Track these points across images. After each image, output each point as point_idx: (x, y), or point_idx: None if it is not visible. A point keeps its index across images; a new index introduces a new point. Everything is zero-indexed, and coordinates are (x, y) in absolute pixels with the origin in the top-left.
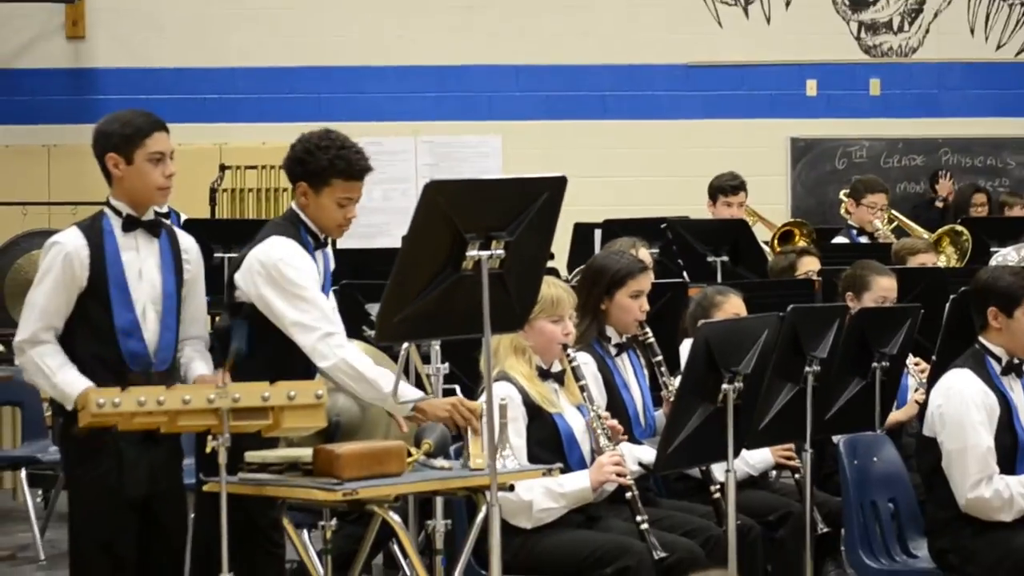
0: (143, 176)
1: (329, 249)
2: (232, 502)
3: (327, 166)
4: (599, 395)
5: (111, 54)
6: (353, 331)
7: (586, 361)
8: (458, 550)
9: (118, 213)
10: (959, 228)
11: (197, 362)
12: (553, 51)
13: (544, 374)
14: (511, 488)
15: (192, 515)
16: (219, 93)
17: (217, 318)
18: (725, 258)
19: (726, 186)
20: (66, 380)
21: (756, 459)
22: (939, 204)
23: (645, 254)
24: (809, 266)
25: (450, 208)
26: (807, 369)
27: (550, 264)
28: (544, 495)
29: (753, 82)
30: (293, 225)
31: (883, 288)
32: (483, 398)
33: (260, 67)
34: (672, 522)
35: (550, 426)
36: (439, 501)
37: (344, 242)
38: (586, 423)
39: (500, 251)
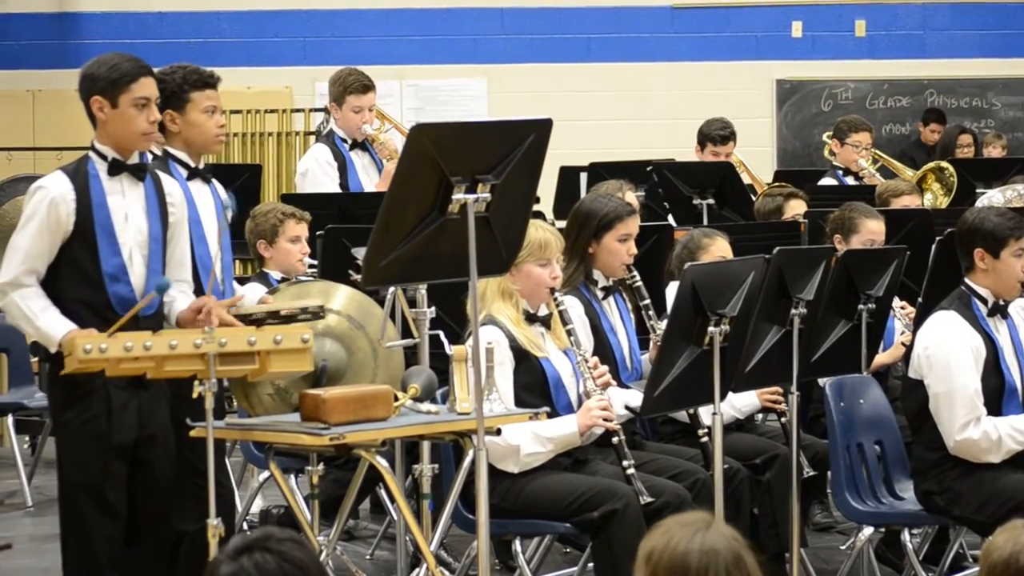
0: (127, 121)
1: (218, 185)
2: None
3: (181, 81)
4: (586, 339)
5: None
6: (339, 275)
7: (573, 304)
8: (445, 494)
9: (103, 157)
10: (944, 164)
11: (179, 301)
12: None
13: (531, 318)
14: (498, 432)
15: None
16: (204, 37)
17: None
18: (711, 201)
19: (716, 135)
20: (49, 323)
21: (742, 403)
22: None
23: (631, 197)
24: (796, 209)
25: (436, 151)
26: (793, 311)
27: (536, 208)
28: (531, 439)
29: (738, 23)
30: (163, 162)
31: (871, 231)
32: (470, 342)
33: (245, 11)
34: (659, 465)
35: (537, 370)
36: (426, 445)
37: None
38: (574, 366)
39: (486, 194)
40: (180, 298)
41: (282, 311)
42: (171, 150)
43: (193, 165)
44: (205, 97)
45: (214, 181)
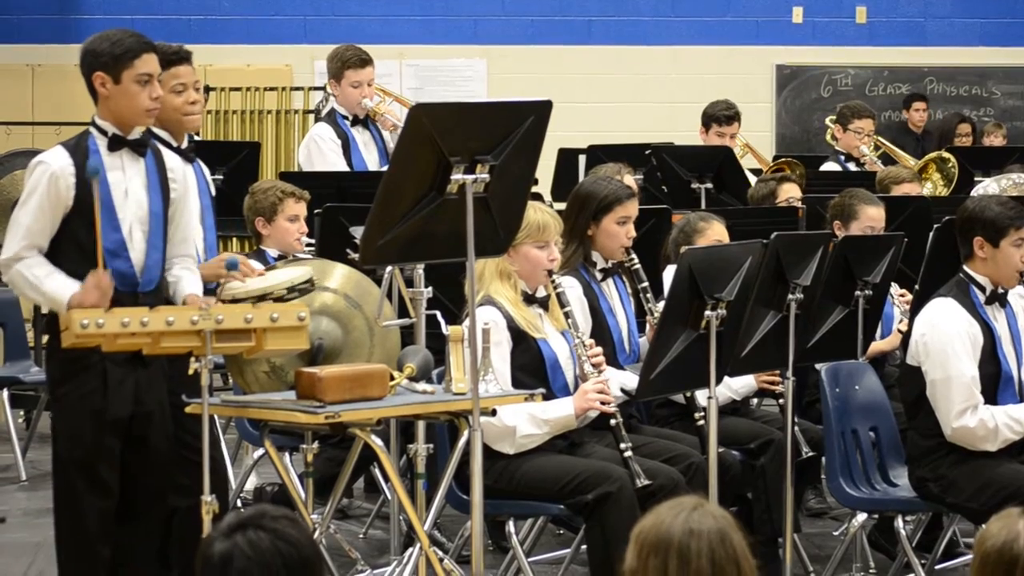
0: (130, 97)
1: (201, 164)
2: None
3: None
4: (584, 320)
5: None
6: (337, 254)
7: (571, 285)
8: (440, 474)
9: (103, 133)
10: (945, 155)
11: (186, 280)
12: None
13: (529, 299)
14: (493, 412)
15: None
16: (204, 14)
17: None
18: (709, 185)
19: (720, 116)
20: (54, 287)
21: (739, 384)
22: (914, 129)
23: (630, 180)
24: (789, 193)
25: (435, 131)
26: (790, 296)
27: (534, 189)
28: (528, 421)
29: (739, 8)
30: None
31: (871, 218)
32: (467, 322)
33: None
34: (654, 449)
35: (534, 351)
36: (421, 425)
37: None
38: (571, 348)
39: (485, 175)
40: (186, 276)
41: (272, 294)
42: (153, 129)
43: (175, 144)
44: (171, 75)
45: (199, 160)
